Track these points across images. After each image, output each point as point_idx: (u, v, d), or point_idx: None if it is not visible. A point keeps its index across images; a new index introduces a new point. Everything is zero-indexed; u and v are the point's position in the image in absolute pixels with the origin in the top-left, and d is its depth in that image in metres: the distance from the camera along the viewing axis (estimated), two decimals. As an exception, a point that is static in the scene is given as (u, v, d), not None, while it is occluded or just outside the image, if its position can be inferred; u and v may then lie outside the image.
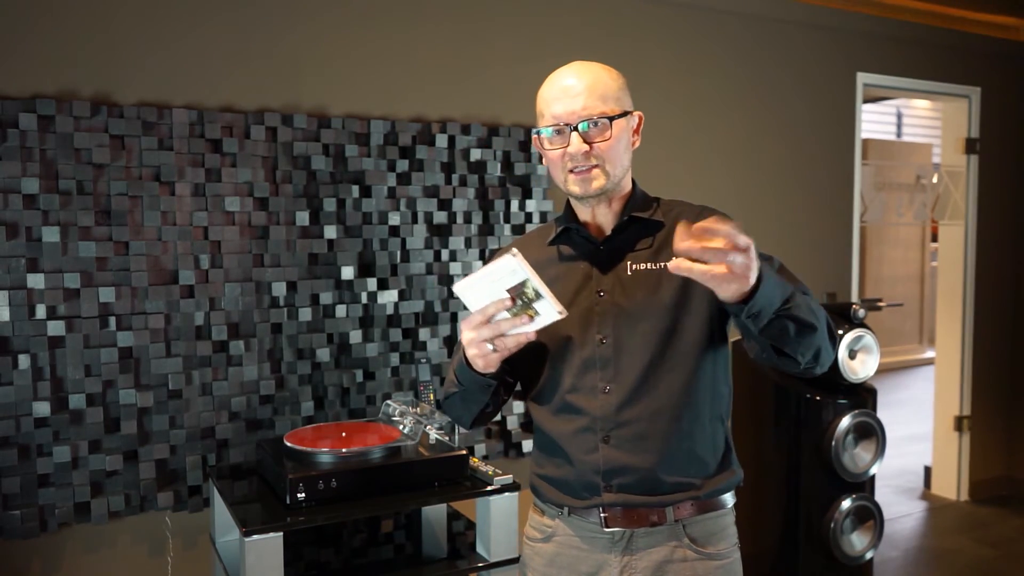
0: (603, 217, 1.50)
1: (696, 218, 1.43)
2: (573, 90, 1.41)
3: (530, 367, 1.51)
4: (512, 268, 1.24)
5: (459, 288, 1.28)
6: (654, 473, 1.42)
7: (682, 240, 1.11)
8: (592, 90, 1.40)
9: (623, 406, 1.42)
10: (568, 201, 1.54)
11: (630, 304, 1.43)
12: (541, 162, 2.86)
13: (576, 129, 1.40)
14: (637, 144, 1.50)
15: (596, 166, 1.42)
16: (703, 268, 1.13)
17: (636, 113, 1.48)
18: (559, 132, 1.42)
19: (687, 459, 1.44)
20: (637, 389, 1.40)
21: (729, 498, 1.51)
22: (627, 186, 1.51)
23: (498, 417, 2.85)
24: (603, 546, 1.45)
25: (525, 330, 1.29)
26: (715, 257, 1.12)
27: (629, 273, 1.45)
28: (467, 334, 1.32)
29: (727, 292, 1.18)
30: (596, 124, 1.40)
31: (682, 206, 1.53)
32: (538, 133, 1.45)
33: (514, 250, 1.25)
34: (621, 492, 1.42)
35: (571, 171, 1.42)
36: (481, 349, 1.32)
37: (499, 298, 1.27)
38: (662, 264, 1.44)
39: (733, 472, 1.51)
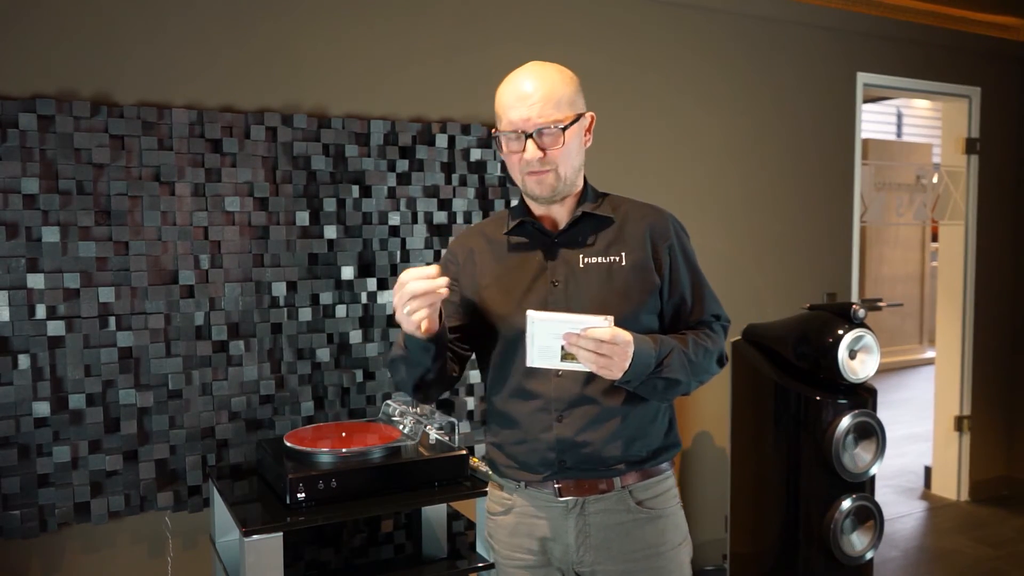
0: (557, 212, 1.61)
1: (641, 216, 1.62)
2: (529, 98, 1.50)
3: (486, 352, 1.63)
4: (597, 324, 1.37)
5: (535, 316, 1.38)
6: (604, 449, 1.55)
7: (570, 342, 1.37)
8: (547, 98, 1.50)
9: (575, 389, 1.54)
10: (521, 194, 1.64)
11: (583, 294, 1.55)
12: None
13: (531, 136, 1.50)
14: (589, 143, 1.61)
15: (550, 170, 1.53)
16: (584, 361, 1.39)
17: (588, 114, 1.58)
18: (516, 137, 1.52)
19: (635, 436, 1.57)
20: (588, 373, 1.49)
21: (667, 464, 1.65)
22: (579, 184, 1.62)
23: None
24: (559, 513, 1.58)
25: (437, 289, 1.37)
26: (586, 359, 1.38)
27: (582, 265, 1.57)
28: (395, 299, 1.40)
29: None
30: (550, 131, 1.50)
31: (630, 203, 1.65)
32: (497, 136, 1.55)
33: (611, 319, 1.38)
34: (574, 467, 1.56)
35: (527, 174, 1.54)
36: (403, 317, 1.38)
37: (556, 343, 1.39)
38: (612, 257, 1.58)
39: (674, 443, 1.65)
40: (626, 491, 1.57)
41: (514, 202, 2.83)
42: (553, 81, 1.51)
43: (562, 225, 1.60)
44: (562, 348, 1.38)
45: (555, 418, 1.55)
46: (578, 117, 1.53)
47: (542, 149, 1.50)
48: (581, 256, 1.57)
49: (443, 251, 2.73)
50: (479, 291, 1.61)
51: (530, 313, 1.38)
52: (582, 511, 1.57)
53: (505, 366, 1.59)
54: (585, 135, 1.58)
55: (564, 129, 1.50)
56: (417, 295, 1.36)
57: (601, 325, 1.37)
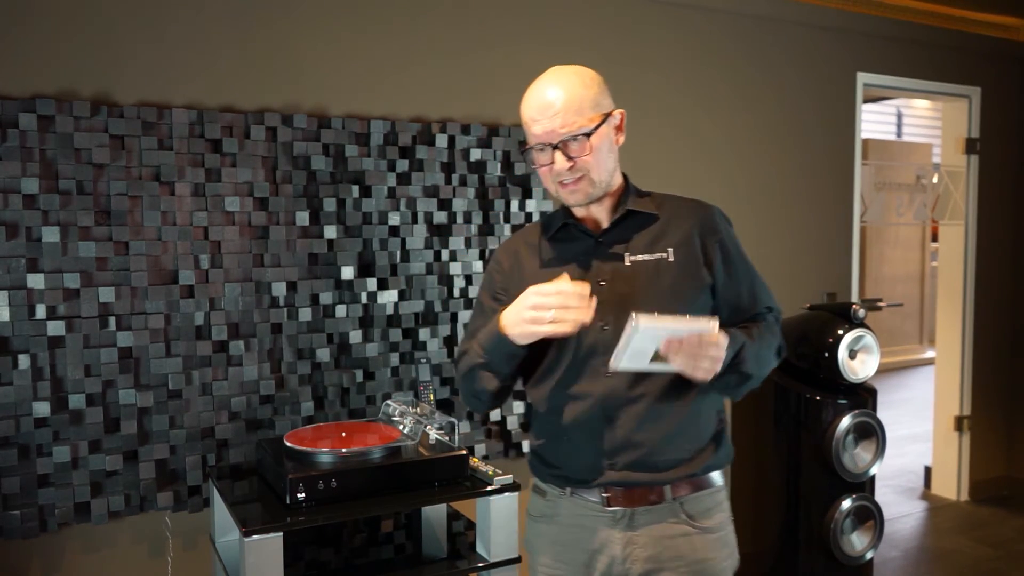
0: (598, 213, 1.58)
1: (689, 212, 1.57)
2: (551, 109, 1.47)
3: (532, 353, 1.56)
4: (704, 328, 1.35)
5: (642, 322, 1.32)
6: (654, 449, 1.50)
7: (673, 349, 1.35)
8: (568, 106, 1.47)
9: (624, 388, 1.49)
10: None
11: (631, 292, 1.50)
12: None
13: (556, 148, 1.47)
14: (621, 141, 1.56)
15: (582, 177, 1.50)
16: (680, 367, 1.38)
17: (617, 112, 1.54)
18: (543, 150, 1.50)
19: (686, 436, 1.52)
20: (639, 372, 1.45)
21: (720, 476, 1.60)
22: (618, 181, 1.59)
23: (498, 417, 2.85)
24: (605, 524, 1.52)
25: (587, 318, 1.37)
26: (686, 364, 1.37)
27: (628, 264, 1.53)
28: (535, 299, 1.38)
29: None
30: (576, 140, 1.47)
31: (674, 199, 1.61)
32: (526, 151, 1.54)
33: (715, 322, 1.36)
34: (624, 470, 1.50)
35: (559, 184, 1.51)
36: (540, 317, 1.37)
37: (651, 346, 1.36)
38: (659, 255, 1.53)
39: (724, 446, 1.59)
40: (677, 503, 1.52)
41: (515, 202, 2.84)
42: (574, 86, 1.48)
43: (605, 225, 1.57)
44: (656, 351, 1.35)
45: (605, 418, 1.50)
46: (604, 118, 1.50)
47: (570, 158, 1.48)
48: (627, 255, 1.54)
49: (443, 251, 2.74)
50: None
51: (635, 317, 1.31)
52: (630, 522, 1.51)
53: (553, 368, 1.55)
54: (616, 134, 1.54)
55: (589, 135, 1.47)
56: (570, 308, 1.36)
57: (707, 329, 1.35)
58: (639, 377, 1.48)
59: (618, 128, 1.55)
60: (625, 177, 1.61)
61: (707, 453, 1.55)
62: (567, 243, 1.59)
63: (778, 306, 1.63)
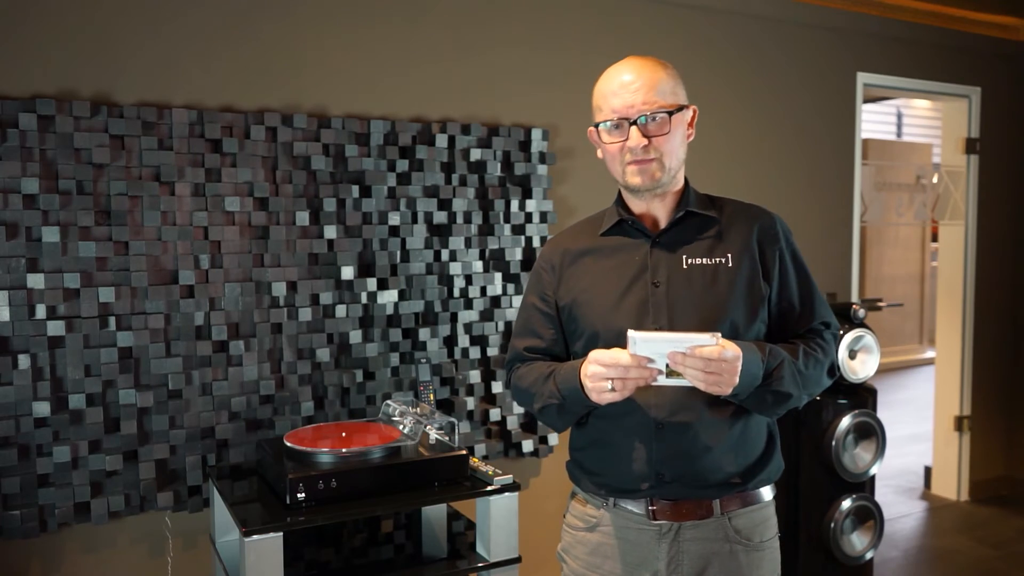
0: (657, 210, 1.54)
1: (748, 217, 1.53)
2: (632, 85, 1.44)
3: (577, 357, 1.53)
4: (705, 341, 1.30)
5: (637, 337, 1.31)
6: (705, 462, 1.45)
7: (675, 362, 1.30)
8: (650, 85, 1.45)
9: (676, 397, 1.45)
10: (620, 194, 1.58)
11: (686, 296, 1.46)
12: (542, 160, 2.88)
13: (635, 123, 1.44)
14: (692, 137, 1.54)
15: (654, 159, 1.46)
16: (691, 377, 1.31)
17: (691, 107, 1.52)
18: (617, 126, 1.46)
19: (735, 448, 1.47)
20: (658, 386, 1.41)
21: (769, 491, 1.55)
22: (680, 180, 1.56)
23: (498, 417, 2.85)
24: (650, 537, 1.48)
25: (648, 380, 1.33)
26: (693, 377, 1.31)
27: (685, 267, 1.48)
28: (595, 368, 1.35)
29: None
30: (655, 119, 1.45)
31: (734, 204, 1.58)
32: (596, 127, 1.49)
33: (718, 335, 1.30)
34: (672, 482, 1.45)
35: (629, 163, 1.47)
36: (600, 386, 1.35)
37: (660, 361, 1.32)
38: (718, 259, 1.49)
39: (775, 462, 1.54)
40: (725, 518, 1.47)
41: (515, 202, 2.84)
42: (655, 69, 1.47)
43: (663, 224, 1.53)
44: (667, 366, 1.32)
45: (654, 427, 1.45)
46: (681, 108, 1.48)
47: (647, 137, 1.44)
48: (684, 256, 1.49)
49: (443, 251, 2.74)
50: (576, 295, 1.54)
51: (631, 333, 1.30)
52: (676, 537, 1.46)
53: None
54: (688, 129, 1.51)
55: (671, 115, 1.45)
56: (628, 381, 1.33)
57: (708, 343, 1.28)
58: (687, 389, 1.41)
59: (690, 124, 1.52)
60: (686, 179, 1.58)
61: (757, 468, 1.50)
62: (621, 240, 1.54)
63: (836, 322, 1.58)
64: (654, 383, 1.34)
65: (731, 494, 1.47)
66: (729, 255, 1.49)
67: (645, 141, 1.44)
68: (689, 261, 1.49)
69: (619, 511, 1.51)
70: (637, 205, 1.54)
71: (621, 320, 1.46)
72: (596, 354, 1.36)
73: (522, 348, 1.61)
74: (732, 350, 1.31)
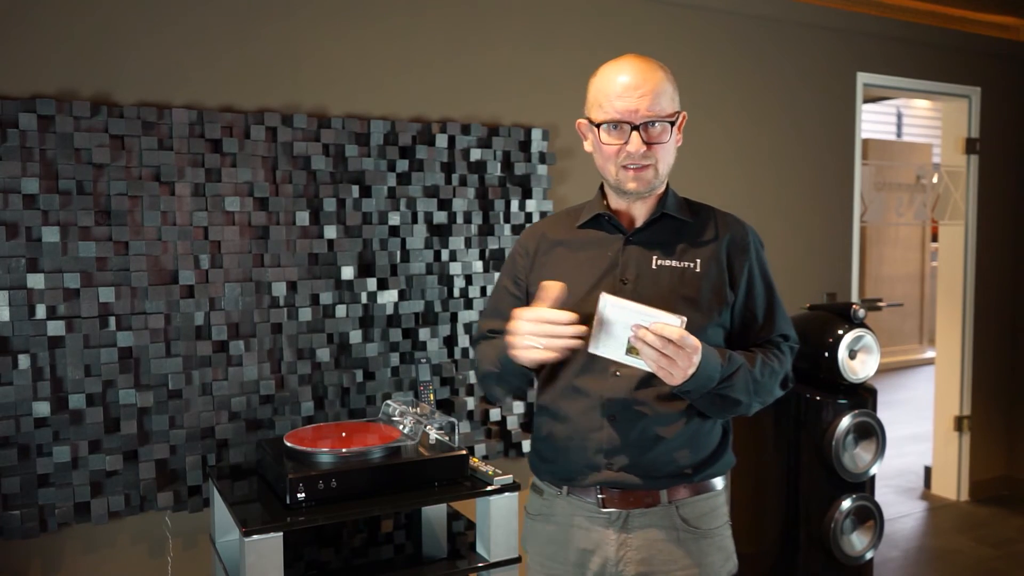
0: (637, 209, 1.57)
1: (721, 225, 1.56)
2: (638, 90, 1.45)
3: None
4: (670, 321, 1.32)
5: (608, 300, 1.34)
6: (654, 456, 1.49)
7: (637, 335, 1.32)
8: (655, 91, 1.46)
9: (630, 390, 1.48)
10: (601, 187, 1.60)
11: (651, 296, 1.47)
12: (542, 160, 2.88)
13: (638, 129, 1.45)
14: (680, 143, 1.55)
15: (650, 165, 1.49)
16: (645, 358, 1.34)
17: (683, 112, 1.54)
18: (617, 128, 1.46)
19: (687, 445, 1.51)
20: (647, 375, 1.44)
21: (720, 481, 1.58)
22: (664, 183, 1.57)
23: (498, 417, 2.85)
24: (600, 524, 1.52)
25: (578, 343, 1.36)
26: (649, 356, 1.33)
27: (654, 267, 1.52)
28: (524, 325, 1.37)
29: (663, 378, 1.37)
30: (656, 126, 1.46)
31: (711, 211, 1.60)
32: (596, 126, 1.49)
33: (684, 320, 1.32)
34: (621, 471, 1.49)
35: (625, 167, 1.48)
36: (527, 344, 1.37)
37: (623, 334, 1.33)
38: (687, 263, 1.52)
39: (727, 457, 1.59)
40: (672, 506, 1.51)
41: (515, 202, 2.84)
42: (660, 74, 1.48)
43: (639, 223, 1.56)
44: (628, 341, 1.33)
45: (607, 418, 1.49)
46: (678, 114, 1.51)
47: (647, 143, 1.46)
48: (654, 257, 1.52)
49: (443, 251, 2.74)
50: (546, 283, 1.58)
51: (603, 296, 1.33)
52: (625, 524, 1.51)
53: (562, 364, 1.53)
54: (678, 134, 1.54)
55: (672, 124, 1.48)
56: (554, 338, 1.35)
57: (672, 323, 1.31)
58: (644, 381, 1.46)
59: (679, 128, 1.54)
60: (668, 182, 1.59)
61: (708, 463, 1.54)
62: (597, 235, 1.57)
63: (795, 336, 1.61)
64: (610, 356, 1.36)
65: (679, 485, 1.51)
66: (698, 260, 1.53)
67: (645, 148, 1.46)
68: (659, 262, 1.52)
69: (571, 499, 1.55)
70: (617, 202, 1.57)
71: (585, 313, 1.47)
72: (522, 310, 1.39)
73: (487, 329, 1.65)
74: (693, 340, 1.33)
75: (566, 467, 1.54)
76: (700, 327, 1.46)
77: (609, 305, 1.33)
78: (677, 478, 1.51)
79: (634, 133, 1.45)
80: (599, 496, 1.51)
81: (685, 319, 1.33)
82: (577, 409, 1.52)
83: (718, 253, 1.53)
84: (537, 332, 1.36)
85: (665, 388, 1.44)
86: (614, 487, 1.50)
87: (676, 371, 1.34)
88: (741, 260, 1.55)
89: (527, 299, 1.60)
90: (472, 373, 2.79)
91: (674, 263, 1.52)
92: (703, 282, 1.51)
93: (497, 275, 2.81)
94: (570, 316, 1.35)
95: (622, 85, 1.46)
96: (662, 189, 1.57)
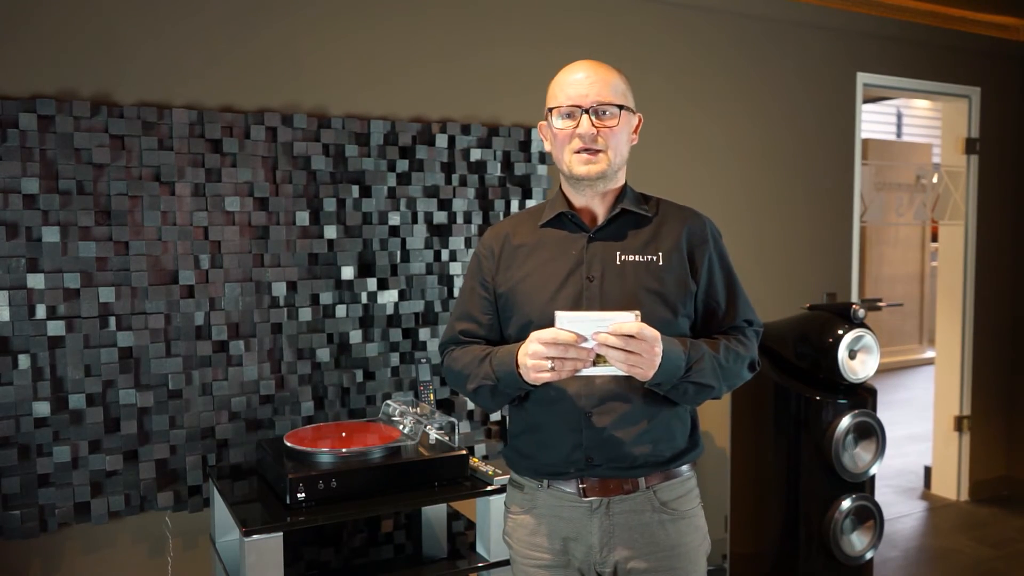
0: (597, 206, 1.61)
1: (679, 218, 1.62)
2: (588, 79, 1.54)
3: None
4: (625, 319, 1.36)
5: (563, 317, 1.38)
6: (630, 448, 1.54)
7: (599, 341, 1.36)
8: (605, 81, 1.54)
9: (605, 386, 1.53)
10: (560, 187, 1.65)
11: (618, 291, 1.54)
12: (542, 160, 2.87)
13: (587, 112, 1.52)
14: (635, 142, 1.62)
15: (600, 151, 1.54)
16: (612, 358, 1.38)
17: (638, 115, 1.61)
18: (569, 114, 1.54)
19: (660, 436, 1.57)
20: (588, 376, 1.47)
21: (688, 468, 1.65)
22: (621, 179, 1.63)
23: (498, 417, 2.85)
24: (582, 513, 1.57)
25: (584, 363, 1.39)
26: (615, 358, 1.38)
27: (618, 263, 1.56)
28: (535, 347, 1.41)
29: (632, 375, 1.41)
30: (605, 111, 1.53)
31: (668, 204, 1.66)
32: (548, 111, 1.57)
33: (638, 313, 1.38)
34: (600, 466, 1.55)
35: (577, 152, 1.54)
36: (540, 364, 1.40)
37: (587, 343, 1.37)
38: (649, 256, 1.57)
39: (698, 446, 1.65)
40: (651, 491, 1.57)
41: (515, 202, 2.84)
42: (610, 71, 1.56)
43: (601, 220, 1.60)
44: (595, 354, 1.38)
45: (584, 416, 1.54)
46: (630, 109, 1.57)
47: (596, 127, 1.52)
48: (618, 253, 1.57)
49: (443, 251, 2.74)
50: (512, 285, 1.61)
51: (558, 314, 1.38)
52: (607, 511, 1.56)
53: None
54: (632, 134, 1.60)
55: (621, 109, 1.53)
56: (567, 361, 1.38)
57: (628, 319, 1.36)
58: (614, 379, 1.51)
59: (635, 130, 1.61)
60: (625, 180, 1.65)
61: (681, 453, 1.60)
62: (560, 233, 1.61)
63: (759, 320, 1.66)
64: (581, 372, 1.40)
65: (655, 471, 1.57)
66: (660, 253, 1.57)
67: (594, 130, 1.52)
68: (623, 257, 1.56)
69: (552, 491, 1.59)
70: (577, 199, 1.61)
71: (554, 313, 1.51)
72: (537, 334, 1.42)
73: (459, 331, 1.67)
74: (650, 331, 1.38)
75: (546, 463, 1.58)
76: (667, 319, 1.53)
77: (565, 322, 1.37)
78: (651, 466, 1.56)
79: (584, 116, 1.52)
80: (580, 486, 1.56)
81: (639, 312, 1.37)
82: (556, 408, 1.56)
83: (679, 244, 1.58)
84: (552, 355, 1.39)
85: (636, 383, 1.49)
86: (594, 477, 1.55)
87: (644, 364, 1.39)
88: (701, 250, 1.60)
89: (495, 300, 1.63)
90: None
91: (637, 257, 1.56)
92: (667, 274, 1.55)
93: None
94: (578, 338, 1.38)
95: (571, 77, 1.55)
96: (619, 184, 1.61)
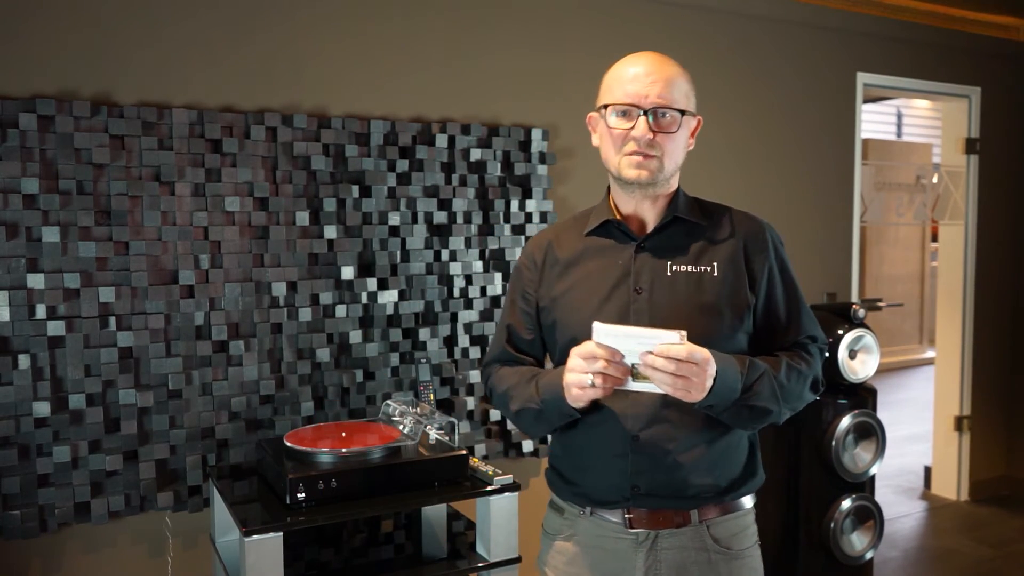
0: (646, 212, 1.49)
1: (737, 224, 1.48)
2: (650, 76, 1.41)
3: (557, 362, 1.50)
4: (671, 340, 1.26)
5: (601, 329, 1.28)
6: (682, 476, 1.41)
7: (646, 363, 1.26)
8: (667, 80, 1.42)
9: (654, 407, 1.41)
10: (608, 192, 1.54)
11: (668, 304, 1.42)
12: (542, 160, 2.87)
13: (646, 114, 1.40)
14: (691, 147, 1.50)
15: (654, 156, 1.42)
16: (658, 380, 1.27)
17: (698, 117, 1.49)
18: (626, 113, 1.42)
19: (716, 462, 1.44)
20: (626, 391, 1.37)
21: (749, 499, 1.52)
22: (674, 184, 1.51)
23: (498, 417, 2.85)
24: (627, 546, 1.44)
25: (623, 379, 1.30)
26: (661, 380, 1.26)
27: (669, 273, 1.44)
28: (575, 361, 1.31)
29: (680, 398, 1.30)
30: (665, 115, 1.41)
31: (725, 210, 1.53)
32: (603, 107, 1.45)
33: (683, 333, 1.26)
34: (649, 495, 1.42)
35: (628, 154, 1.42)
36: (582, 380, 1.31)
37: (628, 360, 1.28)
38: (703, 267, 1.44)
39: (757, 474, 1.51)
40: (703, 526, 1.44)
41: (515, 202, 2.84)
42: (675, 70, 1.45)
43: (650, 228, 1.48)
44: (633, 366, 1.27)
45: (631, 438, 1.41)
46: (691, 113, 1.46)
47: (653, 131, 1.40)
48: (669, 263, 1.44)
49: (443, 251, 2.74)
50: (556, 296, 1.50)
51: (596, 325, 1.27)
52: (653, 545, 1.43)
53: None
54: (690, 138, 1.48)
55: (682, 114, 1.42)
56: (608, 378, 1.28)
57: (674, 341, 1.24)
58: (664, 400, 1.38)
59: (692, 133, 1.49)
60: (679, 185, 1.53)
61: (738, 482, 1.47)
62: (606, 242, 1.49)
63: (823, 336, 1.53)
64: (622, 388, 1.30)
65: (709, 504, 1.44)
66: (715, 263, 1.45)
67: (651, 135, 1.40)
68: (674, 268, 1.44)
69: (596, 520, 1.47)
70: (626, 204, 1.50)
71: None
72: (576, 349, 1.33)
73: (502, 349, 1.59)
74: (701, 352, 1.26)
75: (590, 490, 1.47)
76: (722, 335, 1.40)
77: (602, 334, 1.27)
78: (707, 498, 1.43)
79: (642, 118, 1.39)
80: (627, 516, 1.43)
81: (684, 332, 1.25)
82: (600, 430, 1.44)
83: (735, 254, 1.46)
84: (594, 370, 1.28)
85: (687, 404, 1.35)
86: (642, 507, 1.43)
87: (693, 388, 1.27)
88: (760, 259, 1.47)
89: (538, 313, 1.54)
90: (472, 373, 2.79)
91: (690, 268, 1.44)
92: (722, 286, 1.43)
93: (497, 276, 2.81)
94: (612, 352, 1.28)
95: (635, 72, 1.42)
96: (671, 189, 1.49)
